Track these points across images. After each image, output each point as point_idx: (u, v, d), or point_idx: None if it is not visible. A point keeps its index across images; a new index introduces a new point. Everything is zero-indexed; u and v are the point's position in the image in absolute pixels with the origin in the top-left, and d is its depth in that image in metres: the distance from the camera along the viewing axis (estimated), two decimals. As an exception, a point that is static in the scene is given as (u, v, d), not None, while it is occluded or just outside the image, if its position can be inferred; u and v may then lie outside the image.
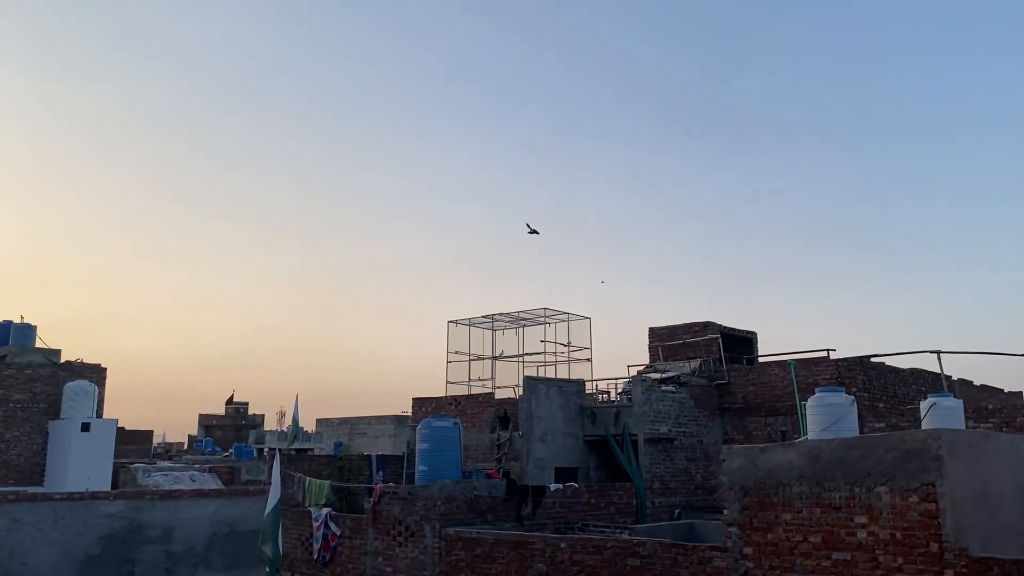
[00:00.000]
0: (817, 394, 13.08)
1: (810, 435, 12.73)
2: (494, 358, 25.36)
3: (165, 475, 28.80)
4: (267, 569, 14.65)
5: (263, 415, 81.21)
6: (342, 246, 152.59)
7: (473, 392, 24.33)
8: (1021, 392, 26.60)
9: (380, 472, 19.45)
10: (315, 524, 16.10)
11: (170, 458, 46.92)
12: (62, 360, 30.79)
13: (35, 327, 32.15)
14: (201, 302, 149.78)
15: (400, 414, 55.31)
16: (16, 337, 31.21)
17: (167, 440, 72.83)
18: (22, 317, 32.27)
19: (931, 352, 17.56)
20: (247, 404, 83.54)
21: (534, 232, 23.27)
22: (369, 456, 20.29)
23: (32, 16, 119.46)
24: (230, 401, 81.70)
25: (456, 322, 25.94)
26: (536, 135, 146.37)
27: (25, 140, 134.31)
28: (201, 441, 66.74)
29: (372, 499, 15.13)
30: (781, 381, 19.34)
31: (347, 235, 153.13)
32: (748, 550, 10.23)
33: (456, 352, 25.82)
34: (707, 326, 21.25)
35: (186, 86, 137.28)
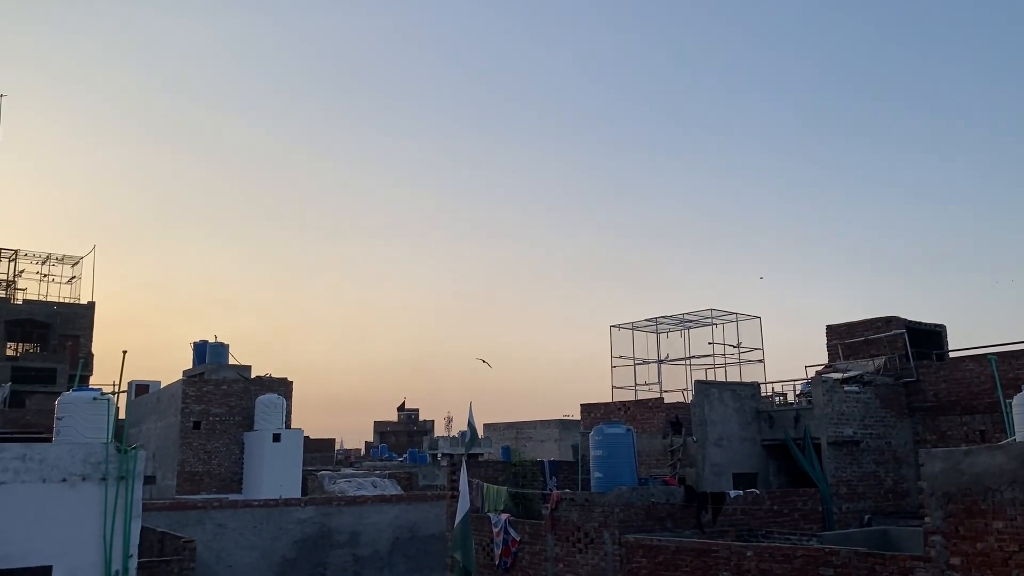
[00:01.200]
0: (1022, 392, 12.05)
1: (1018, 436, 11.74)
2: (660, 362, 25.08)
3: (349, 481, 30.35)
4: (459, 575, 15.10)
5: (432, 421, 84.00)
6: (503, 251, 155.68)
7: (640, 397, 24.15)
8: None
9: (553, 478, 19.62)
10: (495, 529, 16.46)
11: (351, 465, 49.39)
12: (252, 375, 33.19)
13: (227, 345, 34.88)
14: (371, 314, 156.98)
15: (564, 418, 55.72)
16: (212, 356, 33.98)
17: (345, 447, 76.64)
18: (216, 337, 35.09)
19: None
20: (417, 410, 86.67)
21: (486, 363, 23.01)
22: (542, 462, 20.51)
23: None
24: (402, 407, 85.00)
25: (619, 326, 25.87)
26: (690, 127, 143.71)
27: (199, 160, 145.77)
28: (377, 447, 69.84)
29: (550, 505, 15.30)
30: (977, 377, 17.94)
31: (508, 239, 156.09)
32: (955, 560, 9.58)
33: (620, 356, 25.75)
34: (890, 321, 20.04)
35: (325, 101, 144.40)
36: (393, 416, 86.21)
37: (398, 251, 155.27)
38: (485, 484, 17.65)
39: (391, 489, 30.51)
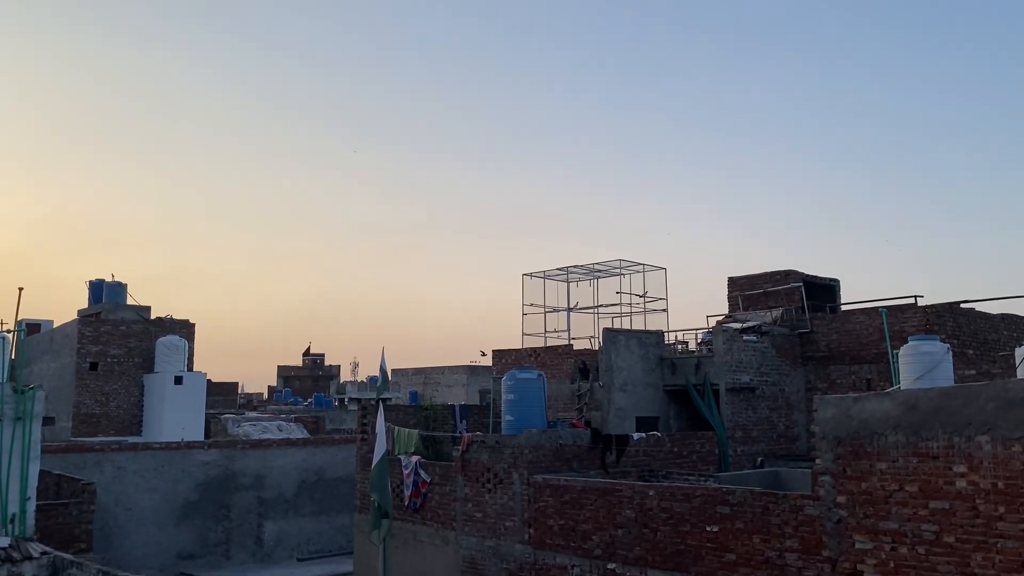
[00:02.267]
0: (910, 342, 12.89)
1: (903, 384, 12.59)
2: (570, 310, 25.53)
3: (253, 425, 30.04)
4: (375, 515, 15.26)
5: (339, 366, 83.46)
6: (414, 197, 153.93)
7: (550, 343, 24.60)
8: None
9: (463, 422, 19.92)
10: (405, 471, 16.66)
11: (254, 409, 48.72)
12: (152, 316, 32.15)
13: (126, 285, 33.61)
14: (276, 257, 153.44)
15: (472, 364, 56.25)
16: (109, 295, 32.70)
17: (247, 391, 75.43)
18: (113, 276, 33.73)
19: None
20: (323, 355, 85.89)
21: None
22: (452, 406, 20.77)
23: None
24: (307, 353, 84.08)
25: (531, 275, 26.14)
26: (600, 80, 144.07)
27: (103, 99, 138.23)
28: (280, 392, 69.03)
29: (461, 447, 15.57)
30: (866, 329, 19.03)
31: (420, 185, 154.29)
32: (841, 498, 10.26)
33: (531, 304, 26.07)
34: (788, 275, 20.94)
35: (254, 41, 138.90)
36: (298, 361, 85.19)
37: (304, 190, 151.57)
38: (396, 427, 17.78)
39: (297, 433, 30.36)
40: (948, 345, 12.99)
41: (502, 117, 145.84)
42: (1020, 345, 14.64)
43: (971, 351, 17.96)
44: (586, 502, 13.37)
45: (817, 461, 10.72)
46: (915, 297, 18.70)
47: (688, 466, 16.41)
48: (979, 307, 19.62)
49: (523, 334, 25.81)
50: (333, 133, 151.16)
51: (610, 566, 12.88)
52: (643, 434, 16.30)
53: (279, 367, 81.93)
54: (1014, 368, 14.38)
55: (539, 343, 24.88)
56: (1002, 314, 20.30)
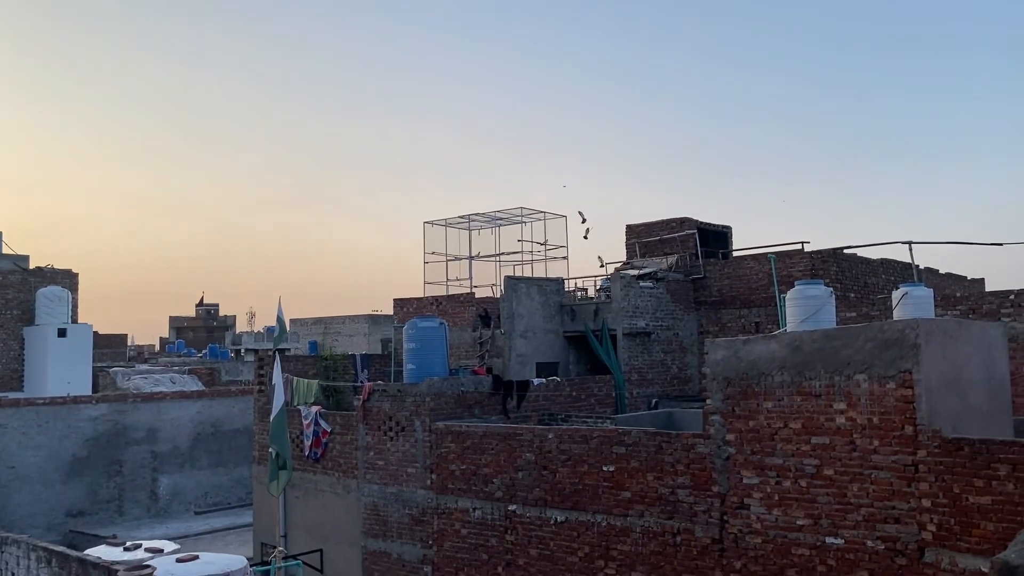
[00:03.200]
0: (796, 286, 13.44)
1: (789, 327, 13.15)
2: (472, 258, 25.54)
3: (145, 378, 28.98)
4: (273, 466, 15.03)
5: (234, 316, 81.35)
6: (310, 144, 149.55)
7: (451, 292, 24.59)
8: (983, 279, 27.48)
9: (364, 371, 19.79)
10: (305, 422, 16.46)
11: (145, 361, 47.06)
12: (32, 266, 30.38)
13: (0, 233, 31.57)
14: (166, 202, 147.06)
15: (373, 313, 55.74)
16: (-20, 244, 30.63)
17: (137, 343, 72.77)
18: (-14, 223, 31.59)
19: (902, 243, 18.01)
20: (217, 305, 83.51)
21: (586, 224, 23.55)
22: (353, 355, 20.57)
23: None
24: (200, 303, 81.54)
25: (432, 223, 25.97)
26: (513, 28, 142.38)
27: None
28: (173, 343, 66.87)
29: (361, 396, 15.46)
30: (755, 274, 19.76)
31: (314, 132, 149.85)
32: (730, 436, 10.71)
33: (433, 253, 25.95)
34: (684, 222, 21.48)
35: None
36: (191, 311, 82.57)
37: (194, 132, 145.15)
38: (295, 378, 17.49)
39: (191, 385, 29.48)
40: (831, 289, 13.62)
41: (397, 65, 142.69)
42: (896, 288, 15.48)
43: (852, 294, 18.90)
44: (487, 447, 13.54)
45: (708, 401, 11.14)
46: (802, 243, 19.52)
47: (587, 409, 16.80)
48: (860, 252, 20.65)
49: (425, 282, 25.73)
50: (228, 79, 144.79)
51: (511, 507, 13.14)
52: (543, 379, 16.56)
53: (171, 318, 79.27)
54: (891, 310, 15.23)
55: (441, 291, 24.84)
56: (881, 259, 21.41)
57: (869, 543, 9.44)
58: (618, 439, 12.03)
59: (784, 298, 13.85)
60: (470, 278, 25.70)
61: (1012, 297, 16.21)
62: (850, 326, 10.05)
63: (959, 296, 17.45)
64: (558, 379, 16.98)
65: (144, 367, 34.95)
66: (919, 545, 9.06)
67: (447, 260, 25.81)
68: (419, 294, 24.78)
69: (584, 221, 23.64)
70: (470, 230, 25.93)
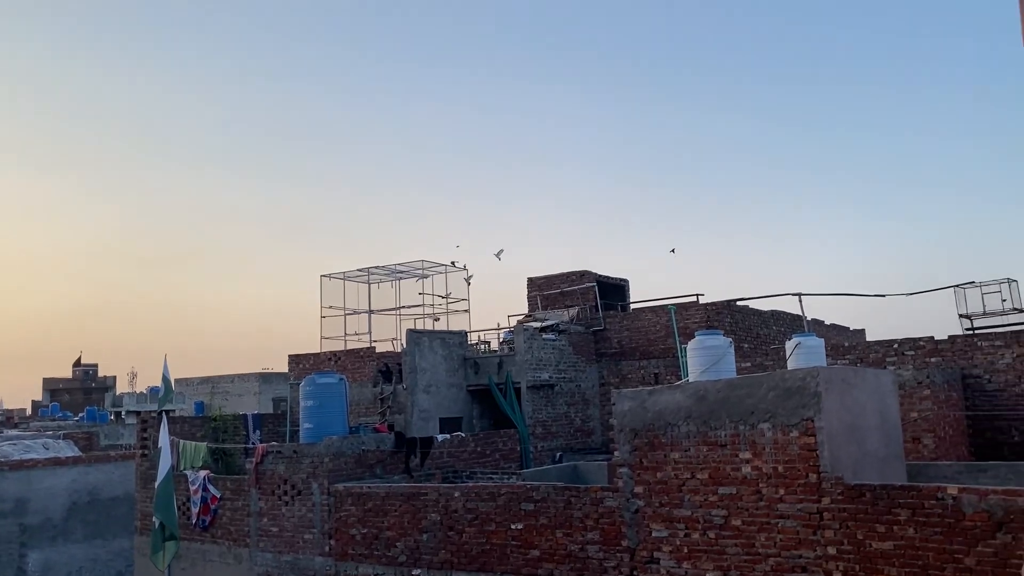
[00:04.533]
0: (696, 337, 13.62)
1: (690, 377, 13.27)
2: (372, 312, 25.01)
3: (14, 444, 26.84)
4: (156, 537, 13.95)
5: (115, 376, 77.10)
6: (194, 195, 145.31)
7: (350, 347, 23.95)
8: (864, 329, 28.81)
9: (256, 432, 18.87)
10: (192, 487, 15.48)
11: (15, 426, 43.86)
12: None
13: None
14: (38, 259, 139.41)
15: (264, 371, 53.84)
16: None
17: (6, 407, 67.94)
18: None
19: (792, 295, 18.66)
20: (96, 366, 79.06)
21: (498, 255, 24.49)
22: (244, 415, 19.61)
23: None
24: (78, 363, 77.00)
25: (330, 276, 25.36)
26: (414, 76, 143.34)
27: None
28: (47, 407, 62.71)
29: (254, 459, 14.68)
30: (653, 326, 20.06)
31: (197, 183, 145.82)
32: (639, 489, 10.61)
33: (331, 307, 25.30)
34: (584, 275, 21.69)
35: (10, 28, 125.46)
36: (67, 372, 77.89)
37: (67, 185, 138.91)
38: (182, 440, 16.50)
39: (66, 451, 27.48)
40: (730, 339, 13.87)
41: (294, 111, 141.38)
42: (789, 339, 15.93)
43: (746, 345, 19.39)
44: (390, 508, 13.01)
45: (615, 453, 11.03)
46: (697, 296, 19.98)
47: (492, 465, 16.47)
48: (752, 304, 21.30)
49: (322, 338, 24.98)
50: (107, 130, 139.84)
51: (415, 572, 12.60)
52: (447, 435, 16.18)
53: (45, 379, 74.48)
54: (784, 360, 15.64)
55: (339, 346, 24.15)
56: (772, 311, 22.15)
57: (778, 593, 9.43)
58: (526, 495, 11.76)
59: (685, 348, 14.02)
60: (369, 332, 25.13)
61: (895, 346, 16.98)
62: (753, 375, 10.18)
63: (847, 346, 18.14)
64: (462, 434, 16.63)
65: (13, 432, 32.51)
66: (826, 593, 9.11)
67: (345, 314, 25.19)
68: (316, 350, 24.04)
69: (499, 252, 24.20)
70: (369, 283, 25.45)
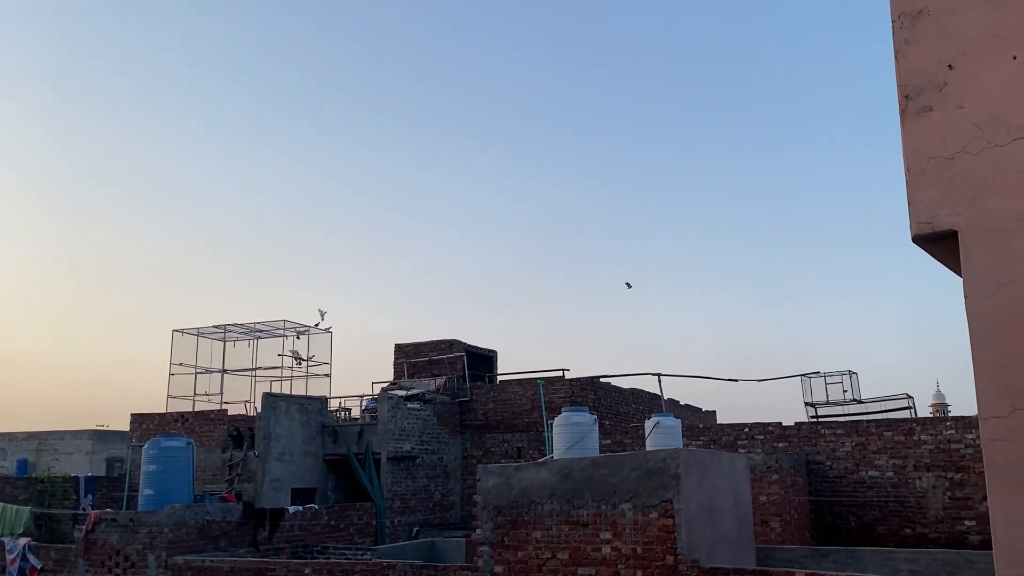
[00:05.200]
0: (563, 413, 13.70)
1: (555, 453, 13.30)
2: (225, 371, 23.88)
3: None
4: None
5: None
6: (21, 241, 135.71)
7: (199, 408, 22.69)
8: (715, 411, 29.96)
9: (89, 496, 17.40)
10: (10, 556, 13.98)
11: None
12: None
13: None
14: None
15: (99, 427, 50.15)
16: None
17: None
18: None
19: (652, 375, 19.20)
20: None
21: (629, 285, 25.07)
22: (76, 477, 18.06)
23: None
24: None
25: (183, 331, 24.11)
26: (273, 136, 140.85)
27: None
28: None
29: (85, 527, 13.46)
30: (519, 399, 20.10)
31: (26, 223, 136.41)
32: (499, 568, 10.40)
33: (181, 364, 24.00)
34: (453, 344, 21.57)
35: None
36: None
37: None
38: (1, 504, 14.97)
39: None
40: (595, 416, 14.04)
41: (137, 156, 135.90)
42: (648, 417, 16.31)
43: (608, 422, 19.70)
44: (233, 584, 12.17)
45: (476, 530, 10.81)
46: (563, 371, 20.24)
47: (345, 539, 15.80)
48: (614, 381, 21.76)
49: (169, 396, 23.58)
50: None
51: (256, 655, 11.78)
52: (300, 507, 15.44)
53: None
54: (643, 438, 15.97)
55: (187, 406, 22.83)
56: (632, 389, 22.70)
57: (632, 677, 9.37)
58: (382, 573, 11.31)
59: (551, 423, 14.07)
60: (221, 393, 23.92)
61: (747, 429, 17.69)
62: (617, 455, 10.29)
63: (701, 427, 18.76)
64: (316, 507, 15.91)
65: None
66: (680, 678, 9.12)
67: (197, 372, 23.93)
68: (161, 409, 22.61)
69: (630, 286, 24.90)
70: (225, 341, 24.33)
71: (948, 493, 15.14)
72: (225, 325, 24.06)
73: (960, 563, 10.88)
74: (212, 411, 20.98)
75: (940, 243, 2.28)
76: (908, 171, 2.32)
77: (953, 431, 15.42)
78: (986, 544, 14.23)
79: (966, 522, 14.89)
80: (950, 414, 29.55)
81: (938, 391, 49.02)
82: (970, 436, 15.17)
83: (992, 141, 2.17)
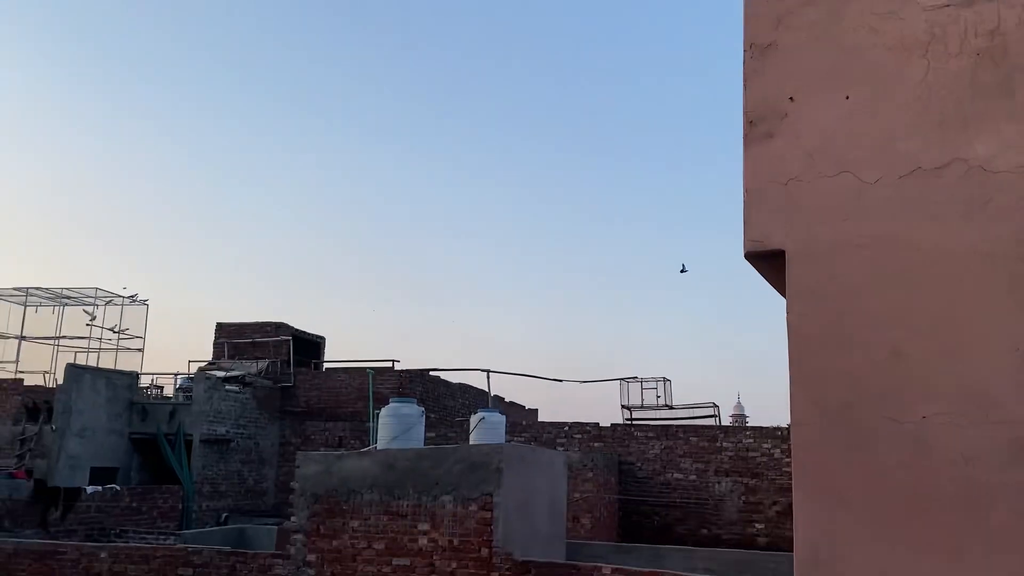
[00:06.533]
0: (391, 403, 13.56)
1: (380, 444, 13.14)
2: (23, 338, 21.99)
3: None
4: None
5: None
6: None
7: (-9, 376, 20.76)
8: (537, 410, 30.75)
9: None
10: None
11: None
12: None
13: None
14: None
15: None
16: None
17: None
18: None
19: (482, 371, 19.45)
20: None
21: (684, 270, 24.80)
22: None
23: None
24: None
25: (-23, 291, 22.00)
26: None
27: None
28: None
29: None
30: (345, 387, 19.76)
31: None
32: (311, 557, 10.21)
33: (-28, 326, 21.89)
34: (279, 327, 20.87)
35: None
36: None
37: None
38: None
39: None
40: (423, 409, 14.02)
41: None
42: (474, 412, 16.50)
43: (434, 415, 19.75)
44: (18, 568, 11.21)
45: (292, 519, 10.55)
46: (392, 361, 20.09)
47: (147, 523, 14.96)
48: (443, 375, 21.86)
49: (-46, 361, 21.44)
50: None
51: (36, 644, 10.92)
52: (99, 487, 14.46)
53: None
54: (468, 433, 16.13)
55: (-25, 374, 20.83)
56: (460, 383, 22.88)
57: (438, 668, 9.46)
58: (186, 559, 10.79)
59: (377, 413, 13.90)
60: (17, 361, 22.01)
61: (566, 428, 18.30)
62: (442, 447, 10.37)
63: (524, 424, 19.22)
64: (117, 488, 14.96)
65: None
66: (486, 669, 9.30)
67: (-10, 338, 21.91)
68: (-56, 374, 20.49)
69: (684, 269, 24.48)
70: (26, 305, 22.41)
71: (743, 497, 16.32)
72: (28, 288, 22.16)
73: (750, 562, 11.75)
74: (6, 380, 19.22)
75: (768, 261, 2.44)
76: (747, 191, 2.47)
77: (751, 440, 16.64)
78: (772, 546, 15.47)
79: (756, 525, 16.12)
80: (748, 424, 31.80)
81: (738, 403, 52.82)
82: (766, 446, 16.44)
83: (821, 172, 2.34)
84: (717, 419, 19.30)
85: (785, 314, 2.29)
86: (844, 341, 2.27)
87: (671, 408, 19.90)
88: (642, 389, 20.13)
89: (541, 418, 28.11)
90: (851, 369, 2.26)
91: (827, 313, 2.25)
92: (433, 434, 17.91)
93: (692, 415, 19.06)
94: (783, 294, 2.46)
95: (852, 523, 2.18)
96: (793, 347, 2.23)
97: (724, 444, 16.78)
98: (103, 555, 11.04)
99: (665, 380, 20.10)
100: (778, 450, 16.02)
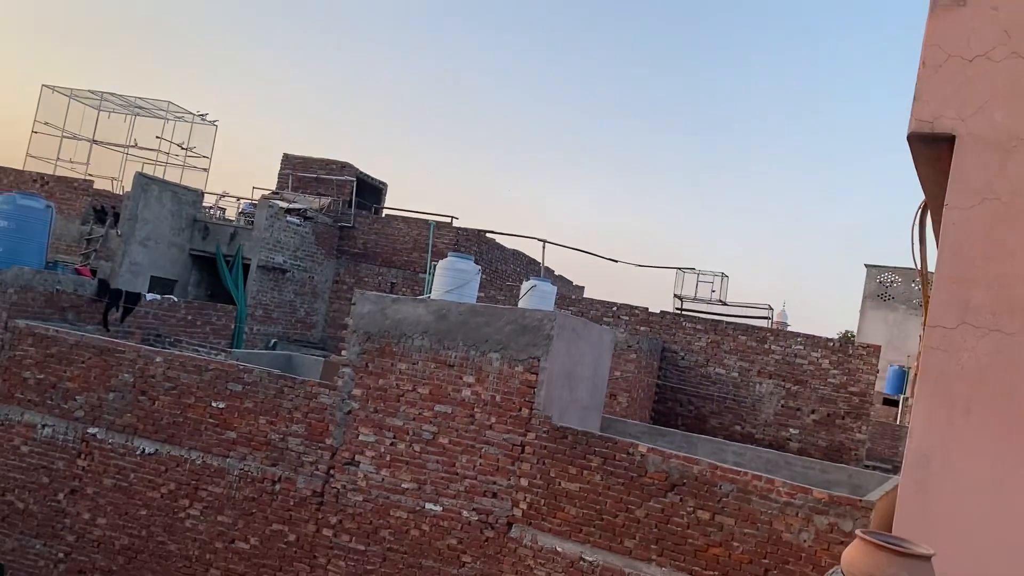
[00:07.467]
0: (449, 257, 13.63)
1: (434, 294, 13.31)
2: (95, 142, 22.33)
3: None
4: None
5: None
6: None
7: (62, 174, 21.25)
8: (584, 287, 30.81)
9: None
10: None
11: None
12: None
13: None
14: None
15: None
16: None
17: None
18: None
19: (538, 239, 19.35)
20: None
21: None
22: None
23: None
24: None
25: (54, 88, 22.23)
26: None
27: None
28: None
29: (-82, 272, 12.51)
30: (403, 236, 19.87)
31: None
32: (357, 391, 10.48)
33: (47, 123, 22.26)
34: (344, 167, 20.85)
35: None
36: None
37: None
38: None
39: None
40: (480, 267, 14.06)
41: None
42: (526, 279, 16.55)
43: (485, 276, 19.87)
44: (77, 358, 11.75)
45: (343, 353, 10.79)
46: (452, 217, 20.06)
47: (200, 337, 15.49)
48: (498, 239, 21.84)
49: (28, 154, 21.95)
50: None
51: (91, 430, 11.56)
52: (157, 296, 14.92)
53: None
54: (517, 298, 16.23)
55: (49, 170, 21.33)
56: (513, 250, 22.87)
57: (464, 513, 9.82)
58: (236, 375, 11.16)
59: (434, 266, 14.01)
60: (87, 163, 22.46)
61: (614, 308, 18.27)
62: (496, 306, 10.37)
63: (573, 298, 19.23)
64: (174, 299, 15.42)
65: None
66: (508, 520, 9.62)
67: (63, 136, 22.29)
68: (19, 166, 21.01)
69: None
70: (100, 109, 22.64)
71: (782, 401, 16.33)
72: (103, 92, 22.31)
73: (780, 464, 11.82)
74: (76, 179, 19.67)
75: (931, 147, 2.18)
76: (923, 64, 2.17)
77: (802, 347, 16.48)
78: (803, 452, 15.57)
79: (791, 429, 16.19)
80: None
81: (783, 310, 52.38)
82: (815, 355, 16.28)
83: (1016, 51, 2.03)
84: (770, 321, 19.11)
85: (942, 209, 2.06)
86: (1005, 246, 2.05)
87: (724, 304, 19.72)
88: (698, 281, 19.92)
89: (587, 295, 28.18)
90: (1006, 276, 2.05)
91: (992, 213, 2.02)
92: (483, 294, 18.06)
93: (744, 314, 18.88)
94: (938, 186, 2.22)
95: (973, 432, 2.04)
96: (946, 245, 2.02)
97: (773, 347, 16.65)
98: (158, 359, 11.48)
99: (723, 275, 19.83)
100: (827, 361, 15.85)
